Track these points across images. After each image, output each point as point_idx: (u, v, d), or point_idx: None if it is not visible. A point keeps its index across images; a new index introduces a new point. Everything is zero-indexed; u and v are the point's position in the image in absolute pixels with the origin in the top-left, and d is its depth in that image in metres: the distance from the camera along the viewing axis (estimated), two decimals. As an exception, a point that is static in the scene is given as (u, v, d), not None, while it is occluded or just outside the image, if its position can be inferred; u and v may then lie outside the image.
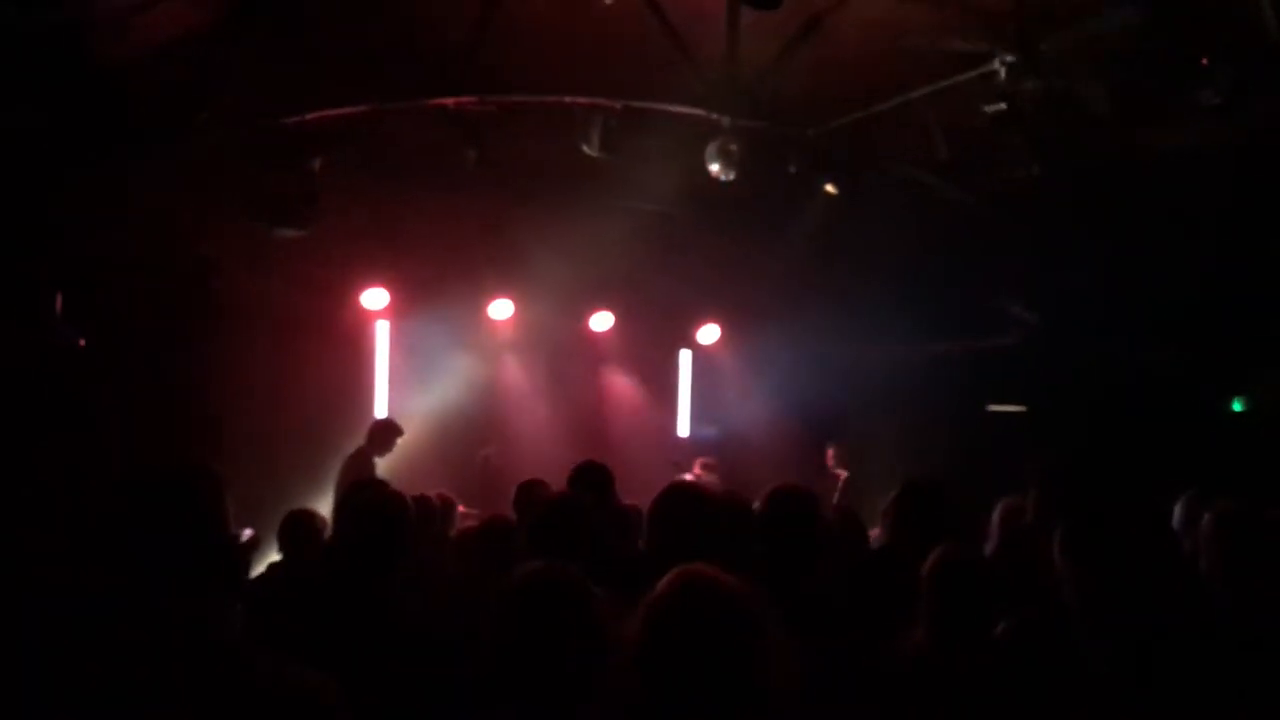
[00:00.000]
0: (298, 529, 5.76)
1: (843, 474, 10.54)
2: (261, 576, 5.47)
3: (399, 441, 9.61)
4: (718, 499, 4.31)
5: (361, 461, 9.02)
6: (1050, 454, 8.52)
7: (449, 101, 7.92)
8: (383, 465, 9.26)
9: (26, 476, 6.10)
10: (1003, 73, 6.65)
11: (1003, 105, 7.37)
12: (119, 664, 2.11)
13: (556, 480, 5.43)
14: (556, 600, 2.22)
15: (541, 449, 10.06)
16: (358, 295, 10.48)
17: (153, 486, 2.38)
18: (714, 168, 8.12)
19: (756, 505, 3.97)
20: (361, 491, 4.54)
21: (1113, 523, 2.52)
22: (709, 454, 11.12)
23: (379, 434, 9.35)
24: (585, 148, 8.26)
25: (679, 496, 3.79)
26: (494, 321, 11.29)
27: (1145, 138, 7.91)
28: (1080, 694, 2.32)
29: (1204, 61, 6.47)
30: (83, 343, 7.62)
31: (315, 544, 5.71)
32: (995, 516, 4.58)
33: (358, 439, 9.69)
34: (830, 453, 10.75)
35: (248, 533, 6.52)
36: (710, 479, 10.47)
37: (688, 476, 10.71)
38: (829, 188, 9.12)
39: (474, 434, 10.71)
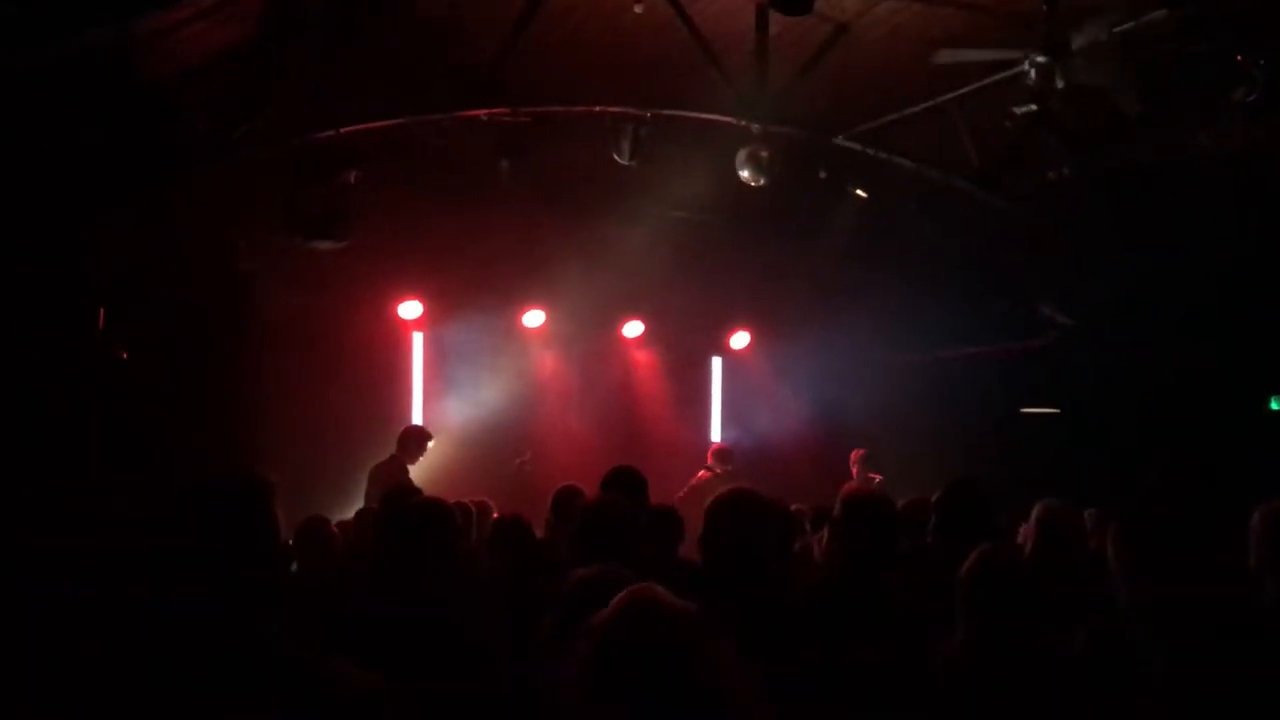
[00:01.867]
0: (315, 537, 5.78)
1: (877, 478, 10.52)
2: (290, 582, 5.50)
3: (435, 448, 9.67)
4: (771, 506, 4.31)
5: (394, 468, 9.09)
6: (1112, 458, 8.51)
7: (481, 113, 8.01)
8: (420, 472, 9.32)
9: (72, 487, 6.21)
10: (1033, 74, 6.64)
11: (1033, 107, 7.36)
12: (181, 669, 2.17)
13: (591, 485, 5.46)
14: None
15: (575, 455, 10.10)
16: (393, 306, 10.58)
17: (210, 494, 2.43)
18: (744, 174, 8.16)
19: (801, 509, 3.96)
20: (405, 498, 4.59)
21: (1170, 518, 2.51)
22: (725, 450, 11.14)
23: (409, 440, 9.41)
24: (616, 157, 8.32)
25: (733, 503, 3.75)
26: (527, 330, 11.36)
27: (1178, 137, 7.88)
28: (1136, 695, 2.31)
29: (1238, 59, 6.44)
30: (125, 355, 7.74)
31: (331, 552, 5.75)
32: (1032, 518, 4.58)
33: (393, 448, 9.78)
34: (853, 458, 10.71)
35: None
36: (722, 469, 10.52)
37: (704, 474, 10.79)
38: (859, 192, 9.14)
39: (509, 441, 10.77)
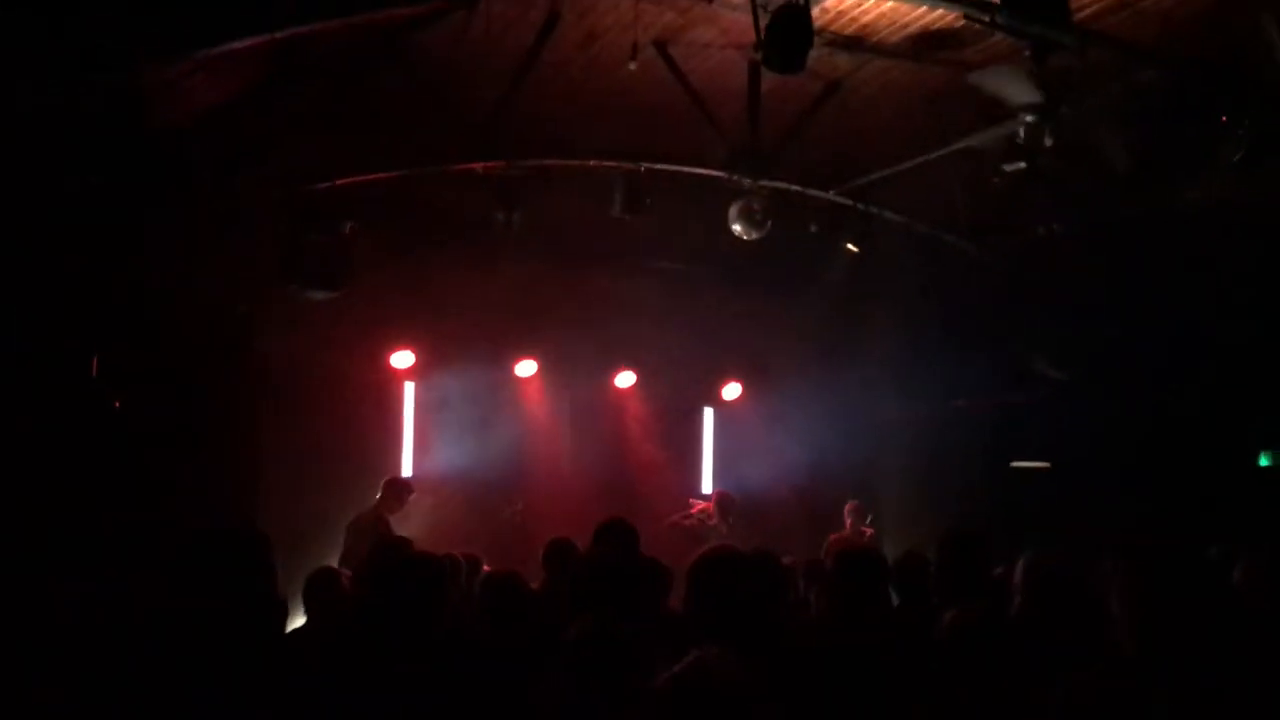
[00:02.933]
0: (323, 588, 5.74)
1: (869, 531, 10.51)
2: (295, 635, 5.48)
3: (427, 499, 9.66)
4: (754, 561, 4.32)
5: (375, 519, 9.05)
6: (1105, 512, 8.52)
7: (478, 166, 8.09)
8: (412, 524, 9.31)
9: (68, 537, 6.18)
10: (1022, 132, 6.74)
11: (1023, 164, 7.45)
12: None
13: (583, 536, 5.47)
14: (613, 655, 2.24)
15: (567, 506, 10.07)
16: (386, 356, 10.60)
17: (206, 547, 2.44)
18: (737, 228, 8.24)
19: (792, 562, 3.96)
20: (393, 552, 4.59)
21: (1175, 569, 2.50)
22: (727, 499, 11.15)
23: (389, 491, 9.39)
24: (611, 209, 8.40)
25: (718, 562, 3.77)
26: (519, 380, 11.38)
27: (1167, 194, 7.98)
28: None
29: (1223, 119, 6.54)
30: (119, 404, 7.73)
31: (341, 602, 5.70)
32: (1019, 572, 4.58)
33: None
34: (847, 510, 10.71)
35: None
36: (719, 521, 10.52)
37: (695, 506, 10.81)
38: (850, 247, 9.22)
39: (501, 492, 10.76)
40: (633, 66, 6.85)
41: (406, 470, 10.91)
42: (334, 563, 7.75)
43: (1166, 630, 2.27)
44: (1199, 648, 2.24)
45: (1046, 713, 2.45)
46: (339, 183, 8.06)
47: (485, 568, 7.47)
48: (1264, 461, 10.29)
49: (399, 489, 9.42)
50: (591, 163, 8.44)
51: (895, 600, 5.35)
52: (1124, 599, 2.37)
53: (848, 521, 10.58)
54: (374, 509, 9.19)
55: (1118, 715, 2.28)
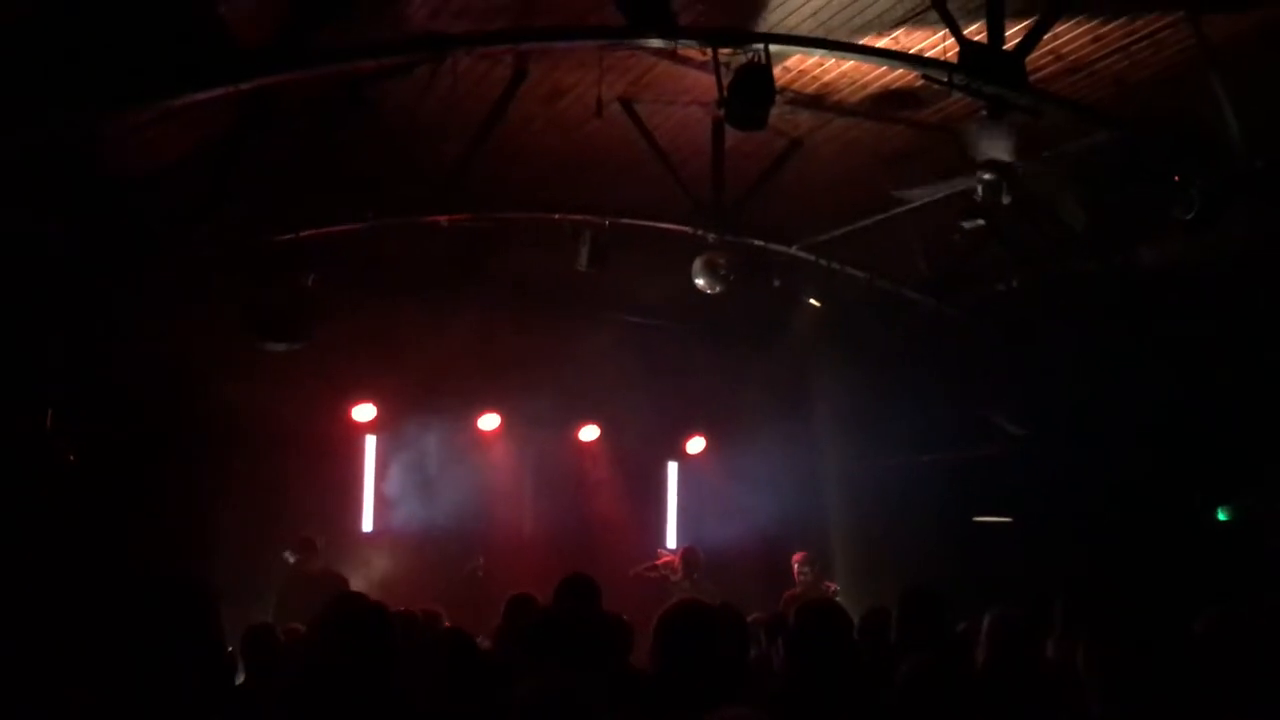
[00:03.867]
0: (258, 645, 5.63)
1: (833, 586, 10.46)
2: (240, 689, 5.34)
3: (387, 553, 9.61)
4: (720, 615, 4.29)
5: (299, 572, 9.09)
6: (1067, 567, 8.54)
7: (442, 219, 8.09)
8: (373, 578, 9.25)
9: (20, 592, 6.04)
10: (980, 190, 6.84)
11: (980, 221, 7.56)
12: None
13: (545, 591, 5.40)
14: (565, 714, 2.20)
15: (529, 560, 9.99)
16: (347, 409, 10.51)
17: (150, 600, 2.39)
18: (700, 282, 8.28)
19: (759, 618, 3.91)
20: (344, 605, 4.50)
21: (1142, 634, 2.50)
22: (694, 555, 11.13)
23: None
24: (574, 263, 8.43)
25: (684, 616, 3.74)
26: (482, 433, 11.31)
27: (1121, 251, 8.11)
28: None
29: (1175, 179, 6.67)
30: (73, 458, 7.61)
31: (278, 658, 5.60)
32: (985, 627, 4.58)
33: (346, 551, 9.71)
34: (796, 561, 10.61)
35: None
36: (672, 570, 10.48)
37: (661, 558, 10.74)
38: (813, 301, 9.28)
39: (462, 546, 10.64)
40: (598, 120, 6.91)
41: (367, 524, 10.79)
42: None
43: (1133, 692, 2.27)
44: (1163, 706, 2.23)
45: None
46: (301, 234, 8.02)
47: (445, 623, 7.38)
48: (1222, 516, 10.39)
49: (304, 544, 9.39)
50: (556, 216, 8.48)
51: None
52: (1091, 665, 2.36)
53: (796, 573, 10.46)
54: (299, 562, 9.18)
55: None
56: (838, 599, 10.09)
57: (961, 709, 2.55)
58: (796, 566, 10.37)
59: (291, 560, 9.15)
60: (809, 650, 3.63)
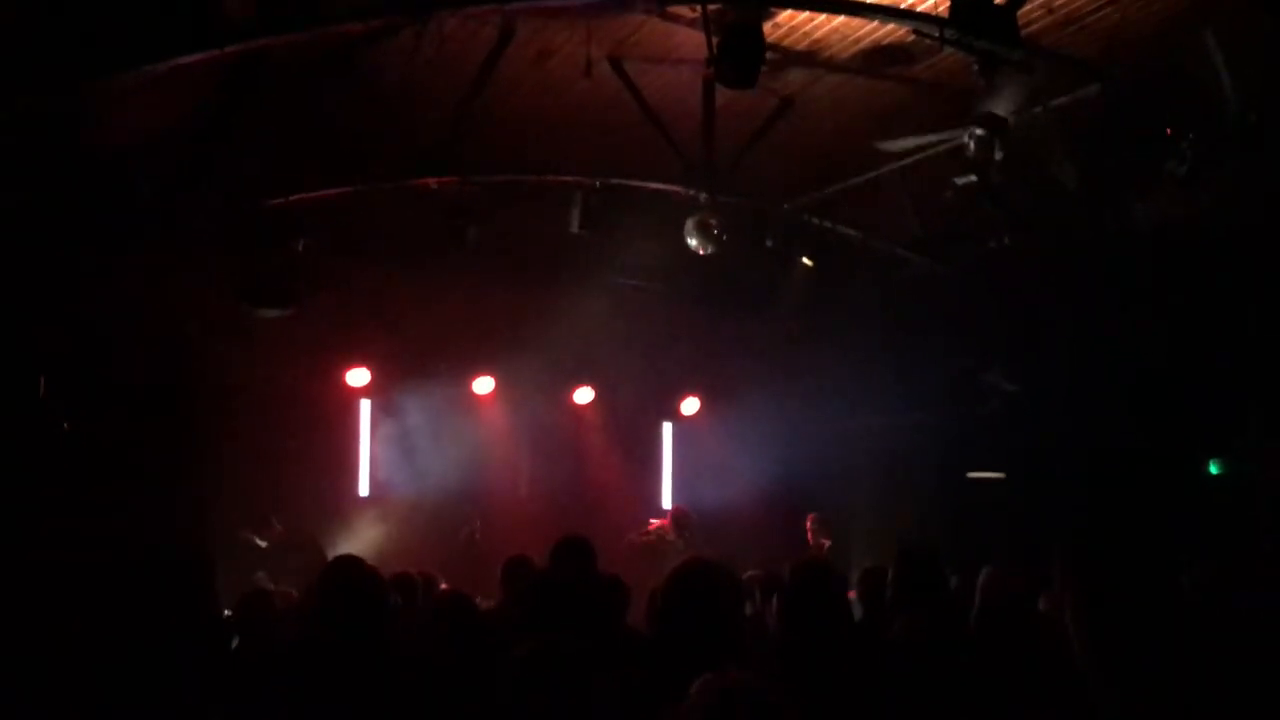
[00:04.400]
0: (254, 611, 5.63)
1: (826, 543, 10.53)
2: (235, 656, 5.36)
3: (384, 517, 9.68)
4: (724, 576, 4.30)
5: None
6: (1061, 522, 8.60)
7: (432, 182, 8.04)
8: (369, 542, 9.30)
9: (18, 560, 6.06)
10: (972, 146, 6.81)
11: (973, 178, 7.53)
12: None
13: (541, 553, 5.43)
14: (559, 677, 2.21)
15: (525, 523, 10.03)
16: (341, 374, 10.51)
17: (145, 568, 2.40)
18: (692, 243, 8.25)
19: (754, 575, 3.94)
20: (339, 569, 4.53)
21: (1129, 587, 2.48)
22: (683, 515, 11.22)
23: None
24: (566, 225, 8.39)
25: (697, 575, 3.73)
26: (477, 397, 11.32)
27: (1115, 208, 8.09)
28: None
29: (1168, 132, 6.64)
30: (67, 426, 7.60)
31: (272, 626, 5.61)
32: (979, 582, 4.62)
33: (343, 517, 9.76)
34: (809, 522, 10.74)
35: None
36: (678, 536, 10.56)
37: (652, 524, 10.82)
38: (806, 261, 9.26)
39: (458, 510, 10.68)
40: (587, 81, 6.86)
41: (363, 489, 10.83)
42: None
43: (1119, 646, 2.27)
44: (1151, 660, 2.24)
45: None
46: (291, 199, 7.98)
47: (442, 585, 7.43)
48: (1214, 470, 10.46)
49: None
50: (548, 178, 8.43)
51: (858, 614, 5.39)
52: (1077, 618, 2.36)
53: (810, 535, 10.59)
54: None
55: None
56: (831, 555, 10.20)
57: (955, 665, 2.57)
58: (809, 527, 10.52)
59: (261, 544, 9.25)
60: (804, 609, 3.65)
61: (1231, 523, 9.01)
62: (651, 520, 11.16)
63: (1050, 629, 4.02)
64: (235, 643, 5.40)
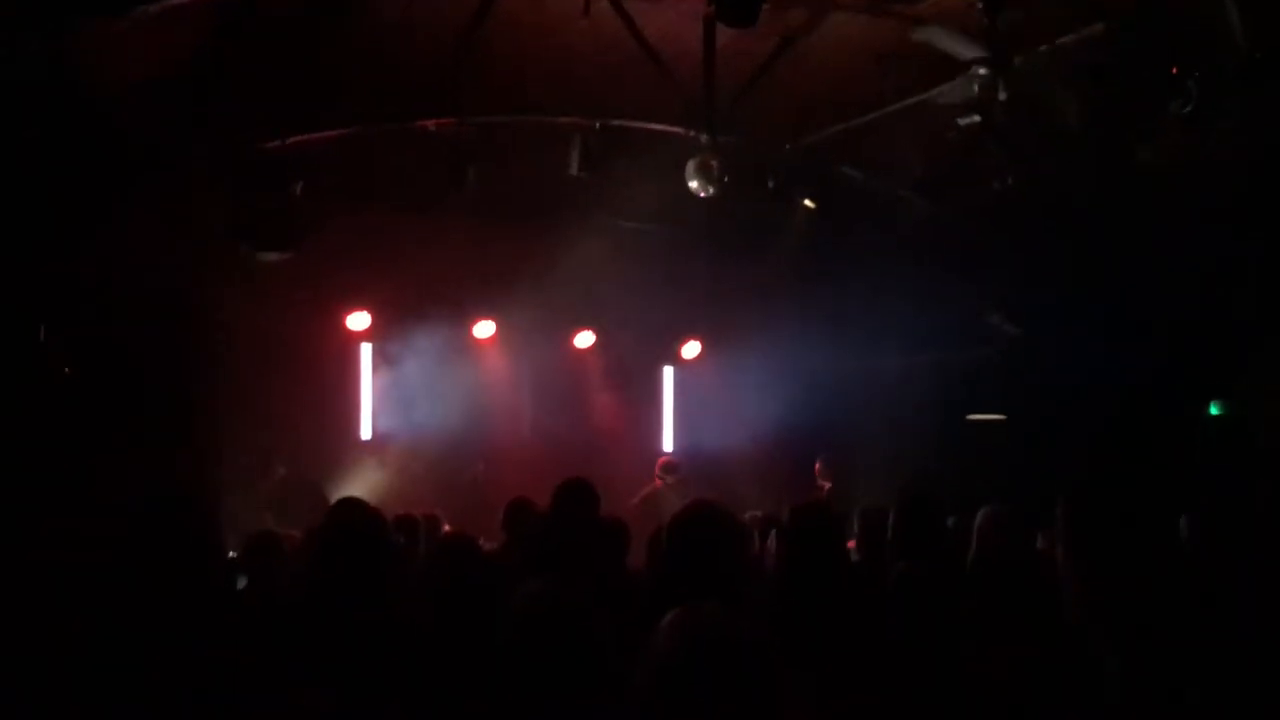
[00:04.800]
0: (262, 552, 5.68)
1: (826, 485, 10.60)
2: (241, 596, 5.41)
3: (387, 461, 9.73)
4: (726, 518, 4.34)
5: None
6: (1060, 464, 8.64)
7: (430, 124, 7.98)
8: (373, 486, 9.35)
9: (18, 507, 6.09)
10: (976, 86, 6.73)
11: (976, 118, 7.46)
12: (127, 687, 2.15)
13: (543, 496, 5.47)
14: (559, 621, 2.22)
15: (527, 466, 10.08)
16: (342, 318, 10.51)
17: (148, 516, 2.40)
18: (693, 185, 8.18)
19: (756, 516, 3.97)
20: (343, 511, 4.56)
21: (1122, 525, 2.49)
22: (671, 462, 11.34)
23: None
24: (566, 167, 8.33)
25: (700, 518, 3.76)
26: (477, 341, 11.33)
27: (1119, 149, 8.03)
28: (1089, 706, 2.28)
29: (1173, 71, 6.57)
30: (69, 371, 7.61)
31: (281, 566, 5.65)
32: (976, 523, 4.65)
33: (345, 461, 9.81)
34: (818, 465, 10.83)
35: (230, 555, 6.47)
36: (673, 479, 10.66)
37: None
38: (807, 203, 9.21)
39: (460, 453, 10.73)
40: (586, 21, 6.78)
41: (365, 432, 10.87)
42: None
43: (1111, 587, 2.28)
44: (1144, 605, 2.25)
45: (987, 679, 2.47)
46: (288, 142, 7.92)
47: (445, 527, 7.49)
48: (1214, 411, 10.49)
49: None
50: (546, 120, 8.36)
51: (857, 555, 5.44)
52: (1068, 557, 2.37)
53: (817, 476, 10.74)
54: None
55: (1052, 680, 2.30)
56: (830, 496, 10.28)
57: (951, 606, 2.60)
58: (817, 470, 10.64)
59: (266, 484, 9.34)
60: (801, 551, 3.68)
61: (1231, 464, 9.05)
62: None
63: (1048, 569, 4.06)
64: (242, 584, 5.48)
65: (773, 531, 5.68)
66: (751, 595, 3.92)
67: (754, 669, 2.03)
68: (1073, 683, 2.35)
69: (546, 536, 3.82)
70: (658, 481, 10.86)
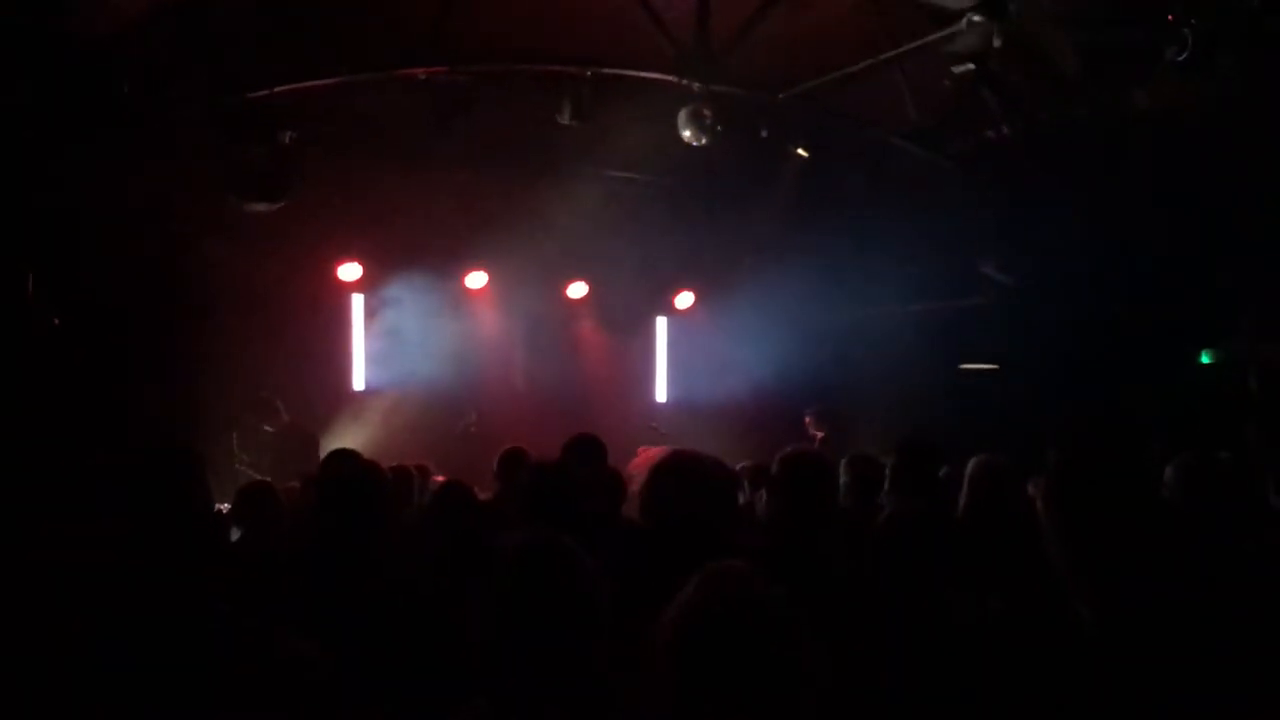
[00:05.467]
0: (258, 503, 5.68)
1: (819, 435, 10.64)
2: (234, 548, 5.43)
3: (380, 412, 9.77)
4: (716, 468, 4.37)
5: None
6: (1053, 413, 8.67)
7: (420, 72, 7.89)
8: (365, 436, 9.37)
9: (5, 459, 6.08)
10: (971, 34, 6.67)
11: (971, 66, 7.40)
12: (119, 639, 2.16)
13: (537, 446, 5.48)
14: (547, 569, 2.22)
15: (521, 417, 10.10)
16: (333, 268, 10.46)
17: (137, 468, 2.40)
18: (686, 134, 8.13)
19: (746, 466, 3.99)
20: (339, 462, 4.58)
21: (1101, 470, 2.49)
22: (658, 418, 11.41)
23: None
24: (557, 117, 8.25)
25: (680, 467, 3.80)
26: (470, 292, 11.30)
27: (1115, 96, 7.97)
28: (1070, 656, 2.30)
29: (1169, 18, 6.51)
30: (57, 322, 7.58)
31: (277, 517, 5.66)
32: (967, 471, 4.67)
33: (338, 410, 9.83)
34: (808, 418, 10.85)
35: (223, 507, 6.48)
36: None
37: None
38: (801, 152, 9.15)
39: (453, 404, 10.74)
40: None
41: (358, 383, 10.87)
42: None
43: (1091, 537, 2.29)
44: (1125, 554, 2.26)
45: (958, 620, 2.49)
46: (276, 90, 7.82)
47: (437, 478, 7.49)
48: (1205, 359, 10.52)
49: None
50: (538, 68, 8.26)
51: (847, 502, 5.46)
52: (1049, 501, 2.38)
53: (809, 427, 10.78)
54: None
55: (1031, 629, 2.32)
56: (826, 446, 10.31)
57: (940, 551, 2.61)
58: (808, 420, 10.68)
59: (267, 428, 9.34)
60: (790, 499, 3.70)
61: (1221, 411, 9.09)
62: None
63: (1038, 519, 4.09)
64: (237, 535, 5.49)
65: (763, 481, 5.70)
66: (742, 544, 3.95)
67: (780, 626, 2.05)
68: (1050, 632, 2.37)
69: (541, 486, 3.82)
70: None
